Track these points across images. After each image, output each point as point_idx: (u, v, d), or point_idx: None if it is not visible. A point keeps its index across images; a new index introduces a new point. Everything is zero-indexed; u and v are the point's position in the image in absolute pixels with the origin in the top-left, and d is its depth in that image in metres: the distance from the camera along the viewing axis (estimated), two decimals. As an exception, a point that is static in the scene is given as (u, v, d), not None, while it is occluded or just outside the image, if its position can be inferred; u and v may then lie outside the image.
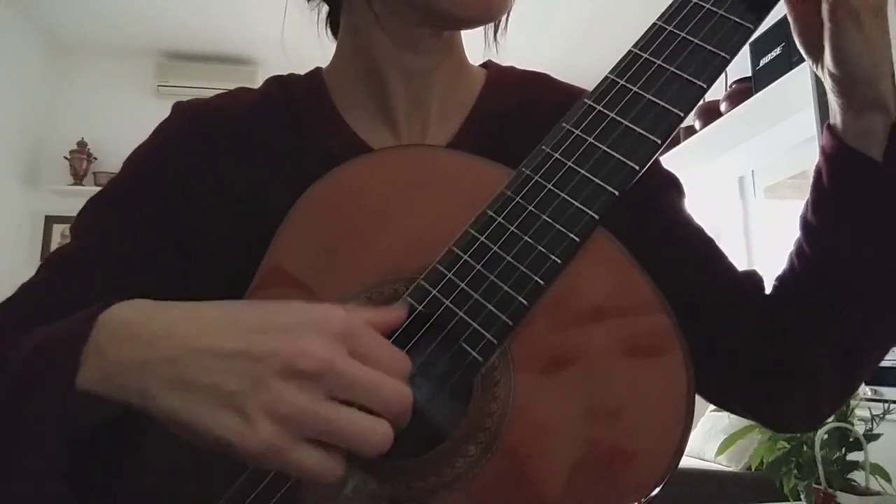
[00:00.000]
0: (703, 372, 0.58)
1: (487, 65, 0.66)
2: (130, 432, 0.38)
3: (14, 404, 0.37)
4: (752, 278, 0.59)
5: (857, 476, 1.30)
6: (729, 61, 0.45)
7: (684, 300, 0.57)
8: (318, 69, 0.63)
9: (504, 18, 0.60)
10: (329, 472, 0.34)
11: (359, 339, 0.36)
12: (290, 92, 0.61)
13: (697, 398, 0.43)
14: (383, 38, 0.56)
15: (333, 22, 0.63)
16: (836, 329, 0.52)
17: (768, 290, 0.58)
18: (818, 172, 0.52)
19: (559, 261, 0.42)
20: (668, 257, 0.57)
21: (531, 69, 0.66)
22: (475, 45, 0.64)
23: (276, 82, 0.62)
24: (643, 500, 0.38)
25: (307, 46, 0.69)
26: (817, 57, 0.50)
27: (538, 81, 0.64)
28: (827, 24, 0.46)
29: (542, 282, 0.42)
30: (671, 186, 0.62)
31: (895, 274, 0.50)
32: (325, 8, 0.62)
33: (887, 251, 0.50)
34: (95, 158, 3.43)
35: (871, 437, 1.32)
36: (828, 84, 0.50)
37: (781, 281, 0.57)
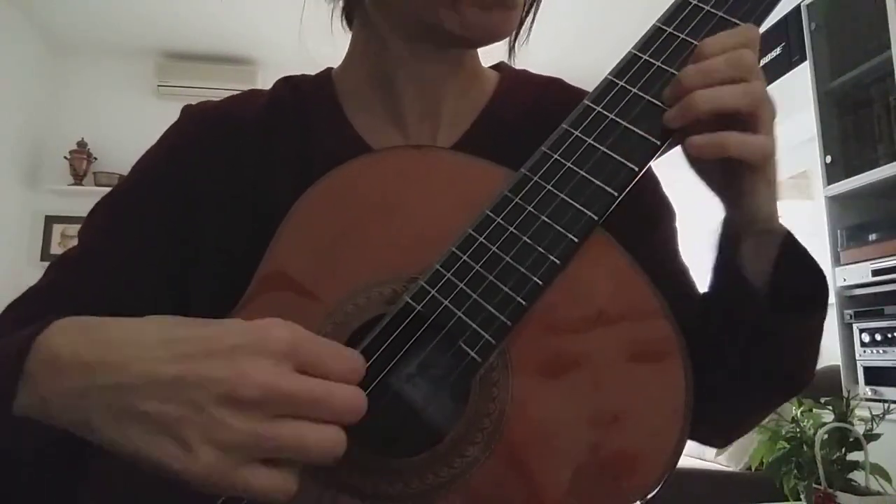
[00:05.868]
0: None
1: (500, 67, 0.64)
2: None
3: None
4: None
5: (857, 476, 1.30)
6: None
7: None
8: (328, 70, 0.63)
9: (527, 30, 0.59)
10: (280, 489, 0.34)
11: (303, 350, 0.35)
12: (298, 93, 0.60)
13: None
14: (397, 45, 0.56)
15: (349, 15, 0.61)
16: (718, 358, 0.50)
17: None
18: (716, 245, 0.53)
19: (558, 261, 0.42)
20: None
21: (545, 74, 0.64)
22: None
23: (286, 83, 0.62)
24: (641, 501, 0.38)
25: (313, 46, 0.68)
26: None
27: (552, 86, 0.63)
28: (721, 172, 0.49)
29: (540, 282, 0.42)
30: (668, 216, 0.61)
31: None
32: (340, 3, 0.60)
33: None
34: (95, 158, 3.43)
35: (871, 437, 1.32)
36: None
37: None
